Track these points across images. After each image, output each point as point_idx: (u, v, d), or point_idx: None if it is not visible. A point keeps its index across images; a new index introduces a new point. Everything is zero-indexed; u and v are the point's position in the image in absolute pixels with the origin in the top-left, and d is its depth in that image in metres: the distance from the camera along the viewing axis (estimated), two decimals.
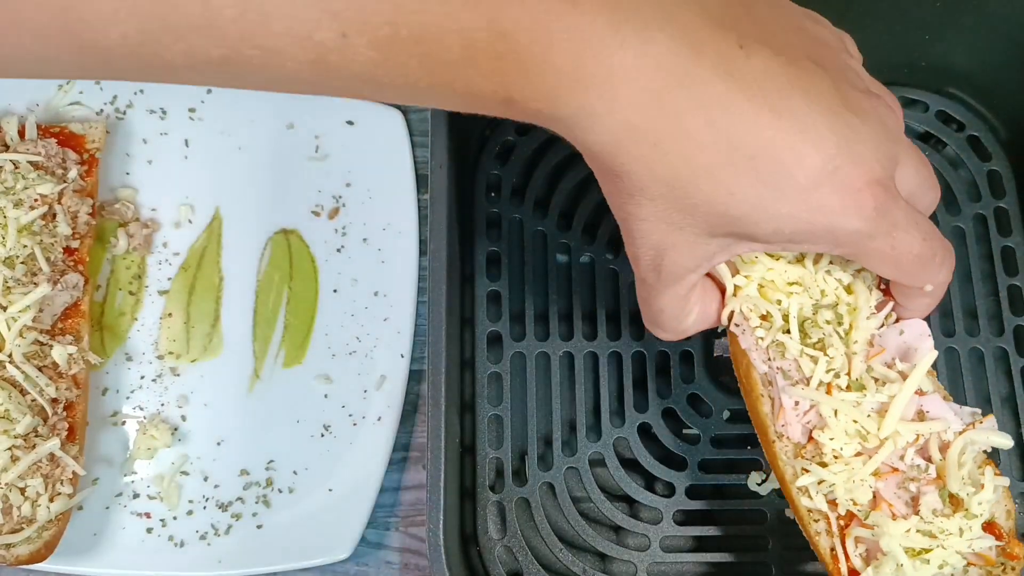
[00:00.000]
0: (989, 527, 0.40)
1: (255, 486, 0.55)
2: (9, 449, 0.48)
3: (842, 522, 0.40)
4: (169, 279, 0.59)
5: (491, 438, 0.53)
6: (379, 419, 0.56)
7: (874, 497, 0.40)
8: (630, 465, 0.52)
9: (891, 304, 0.42)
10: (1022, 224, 0.56)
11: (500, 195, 0.57)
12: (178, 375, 0.57)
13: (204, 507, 0.54)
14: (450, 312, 0.49)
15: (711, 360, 0.54)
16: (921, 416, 0.41)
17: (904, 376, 0.40)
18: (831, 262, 0.42)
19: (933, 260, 0.37)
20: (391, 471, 0.56)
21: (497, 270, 0.55)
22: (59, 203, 0.54)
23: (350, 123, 0.61)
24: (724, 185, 0.32)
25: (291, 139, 0.61)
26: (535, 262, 0.55)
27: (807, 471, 0.40)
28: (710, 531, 0.52)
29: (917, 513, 0.39)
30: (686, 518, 0.52)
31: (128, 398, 0.57)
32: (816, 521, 0.41)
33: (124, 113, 0.61)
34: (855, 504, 0.40)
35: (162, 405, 0.57)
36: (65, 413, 0.51)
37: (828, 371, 0.41)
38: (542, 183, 0.57)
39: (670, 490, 0.52)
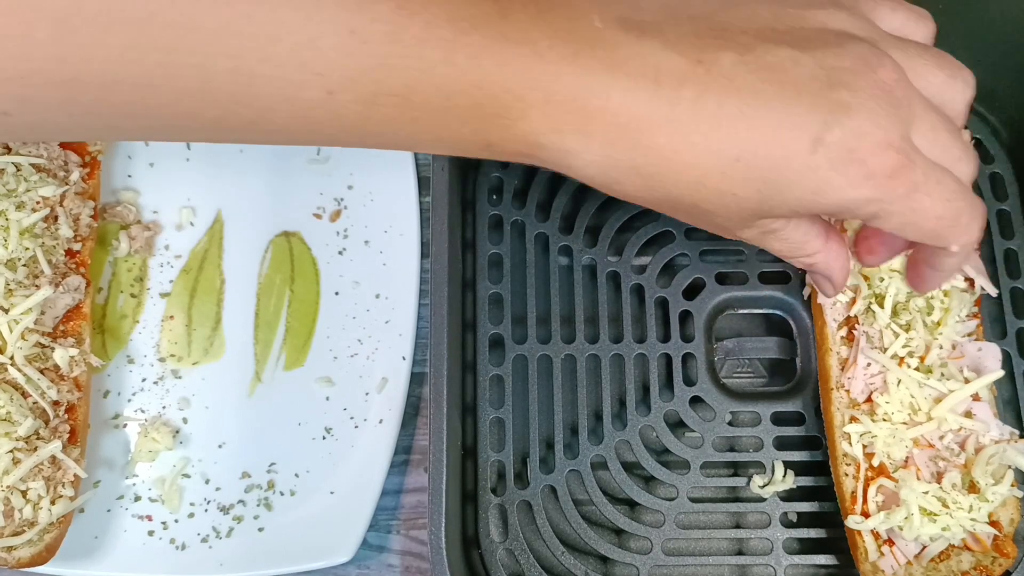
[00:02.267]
0: (992, 524, 0.46)
1: (256, 489, 0.55)
2: (11, 452, 0.48)
3: (870, 474, 0.47)
4: (171, 281, 0.59)
5: (493, 441, 0.53)
6: (380, 422, 0.55)
7: (906, 461, 0.47)
8: (632, 468, 0.52)
9: (978, 322, 0.50)
10: None
11: (502, 197, 0.57)
12: (179, 378, 0.57)
13: (205, 510, 0.54)
14: (452, 315, 0.49)
15: (714, 363, 0.54)
16: (968, 415, 0.47)
17: (968, 381, 0.48)
18: None
19: (958, 221, 0.35)
20: (392, 474, 0.56)
21: (499, 273, 0.55)
22: (61, 205, 0.54)
23: None
24: (725, 190, 0.33)
25: None
26: (537, 265, 0.55)
27: (856, 420, 0.48)
28: (713, 535, 0.52)
29: (939, 484, 0.46)
30: (689, 521, 0.52)
31: (129, 400, 0.57)
32: (848, 466, 0.48)
33: None
34: (889, 458, 0.47)
35: (163, 408, 0.57)
36: (67, 415, 0.51)
37: (904, 347, 0.48)
38: (544, 185, 0.57)
39: (672, 493, 0.52)
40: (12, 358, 0.50)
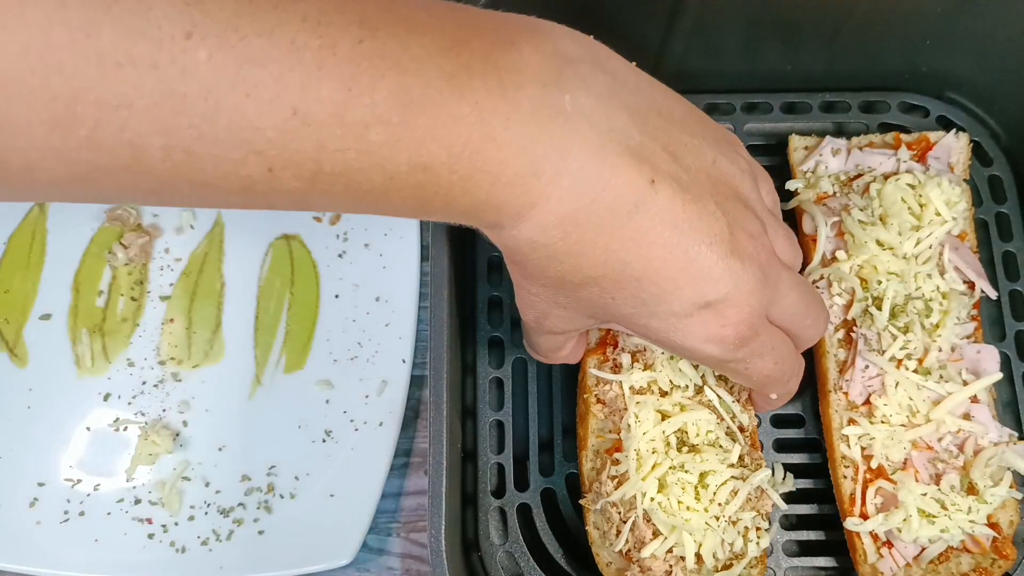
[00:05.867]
0: (991, 526, 0.46)
1: (256, 492, 0.55)
2: (728, 481, 0.45)
3: (868, 475, 0.47)
4: (171, 284, 0.59)
5: (492, 443, 0.53)
6: (380, 424, 0.56)
7: (904, 463, 0.47)
8: None
9: (977, 324, 0.50)
10: (1023, 229, 0.56)
11: None
12: (179, 381, 0.57)
13: (205, 513, 0.54)
14: (451, 317, 0.49)
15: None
16: (967, 417, 0.48)
17: (966, 384, 0.48)
18: (941, 273, 0.50)
19: (781, 379, 0.43)
20: (392, 477, 0.56)
21: (498, 275, 0.55)
22: None
23: None
24: (608, 292, 0.36)
25: None
26: None
27: (855, 422, 0.48)
28: None
29: (937, 486, 0.46)
30: None
31: (130, 404, 0.57)
32: (846, 468, 0.48)
33: None
34: (887, 460, 0.47)
35: (163, 411, 0.57)
36: (748, 440, 0.48)
37: (902, 350, 0.48)
38: None
39: None
40: (703, 377, 0.48)
